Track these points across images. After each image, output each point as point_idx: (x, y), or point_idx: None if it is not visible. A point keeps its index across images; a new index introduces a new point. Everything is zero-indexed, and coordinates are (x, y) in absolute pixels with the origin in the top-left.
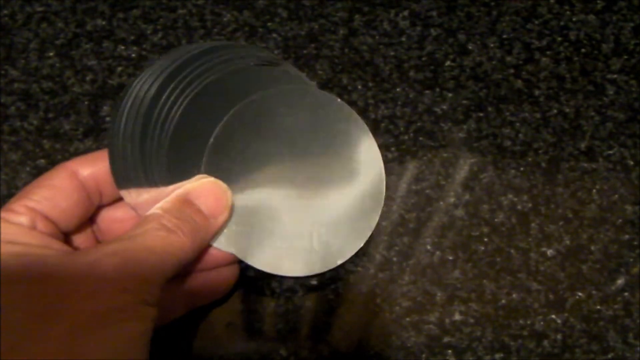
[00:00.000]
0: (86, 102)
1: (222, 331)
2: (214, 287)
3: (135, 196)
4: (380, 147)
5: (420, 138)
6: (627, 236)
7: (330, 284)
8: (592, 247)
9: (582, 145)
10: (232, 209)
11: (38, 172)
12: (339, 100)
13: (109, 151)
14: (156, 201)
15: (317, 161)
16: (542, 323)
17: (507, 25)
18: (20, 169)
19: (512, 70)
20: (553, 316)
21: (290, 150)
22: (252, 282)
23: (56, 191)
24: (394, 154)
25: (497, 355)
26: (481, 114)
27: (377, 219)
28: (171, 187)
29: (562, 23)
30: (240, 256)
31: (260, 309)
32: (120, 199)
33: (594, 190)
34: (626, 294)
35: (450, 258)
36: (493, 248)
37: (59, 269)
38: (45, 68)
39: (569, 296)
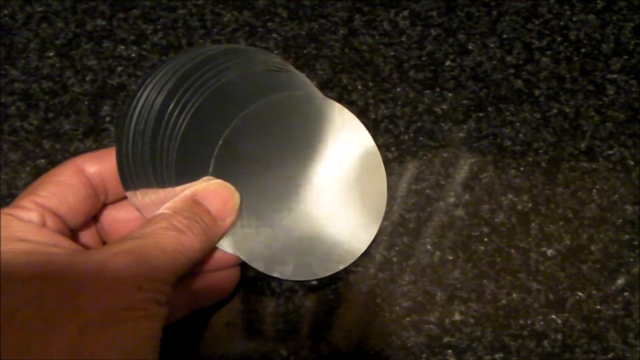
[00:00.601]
0: (86, 102)
1: (222, 331)
2: (216, 289)
3: (141, 197)
4: (380, 147)
5: (421, 138)
6: (627, 236)
7: (330, 284)
8: (592, 247)
9: (582, 145)
10: (239, 210)
11: (38, 172)
12: (343, 108)
13: (116, 152)
14: (162, 203)
15: (322, 166)
16: (542, 323)
17: (507, 25)
18: (21, 169)
19: (512, 70)
20: (553, 316)
21: (297, 155)
22: (252, 282)
23: (64, 187)
24: (394, 154)
25: (497, 355)
26: (481, 114)
27: (379, 223)
28: (179, 189)
29: (562, 23)
30: (245, 259)
31: (260, 308)
32: (124, 198)
33: (594, 190)
34: (626, 293)
35: (450, 258)
36: (493, 248)
37: (70, 268)
38: (45, 68)
39: (569, 296)
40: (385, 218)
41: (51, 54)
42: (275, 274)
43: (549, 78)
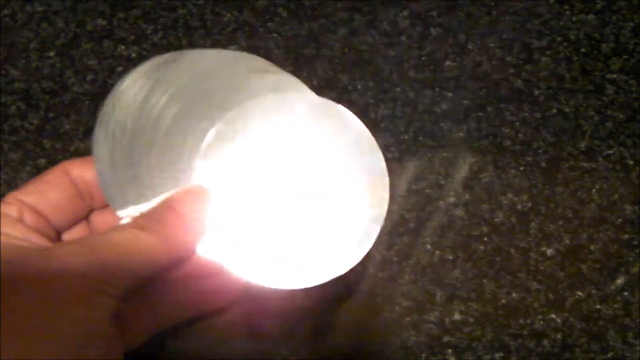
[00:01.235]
0: (86, 102)
1: (223, 330)
2: (219, 294)
3: (126, 210)
4: (380, 147)
5: (420, 138)
6: (626, 236)
7: (330, 284)
8: (592, 247)
9: (582, 145)
10: (216, 215)
11: (38, 172)
12: (337, 104)
13: (96, 168)
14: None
15: (314, 167)
16: (541, 322)
17: (507, 25)
18: (21, 169)
19: (511, 70)
20: (553, 315)
21: (286, 157)
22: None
23: (47, 185)
24: (394, 154)
25: (497, 355)
26: (481, 114)
27: (379, 229)
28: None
29: (561, 23)
30: (227, 265)
31: (260, 308)
32: None
33: (594, 190)
34: (626, 293)
35: (450, 257)
36: (493, 247)
37: (22, 256)
38: (45, 68)
39: (569, 295)
40: (385, 218)
41: (51, 53)
42: (260, 282)
43: (548, 78)
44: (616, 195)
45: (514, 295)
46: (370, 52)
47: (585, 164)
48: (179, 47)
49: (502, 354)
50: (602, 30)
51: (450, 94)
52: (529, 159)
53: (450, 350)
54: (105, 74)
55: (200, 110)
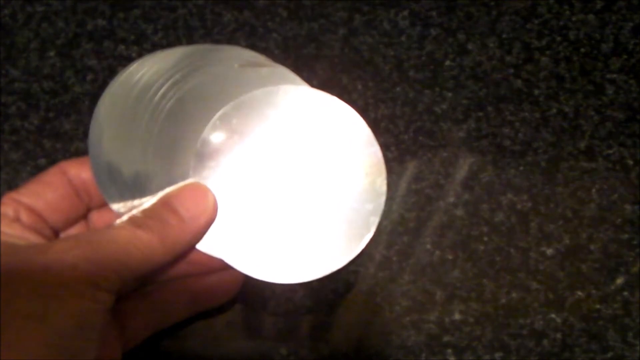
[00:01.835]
0: (87, 102)
1: (222, 330)
2: (218, 291)
3: (122, 207)
4: (380, 146)
5: (420, 137)
6: (626, 235)
7: (330, 283)
8: (592, 247)
9: (582, 145)
10: (215, 210)
11: (38, 172)
12: (334, 98)
13: (92, 166)
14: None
15: (311, 162)
16: (541, 322)
17: (506, 25)
18: (21, 169)
19: (511, 70)
20: (552, 315)
21: (283, 151)
22: (252, 280)
23: (43, 185)
24: (394, 154)
25: (497, 355)
26: (481, 114)
27: (376, 223)
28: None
29: (561, 23)
30: (227, 260)
31: (260, 307)
32: None
33: (594, 190)
34: (625, 293)
35: (450, 257)
36: (493, 247)
37: (18, 253)
38: (45, 68)
39: (569, 295)
40: (384, 217)
41: (52, 53)
42: (258, 276)
43: (548, 78)
44: (616, 195)
45: (513, 295)
46: (370, 52)
47: (585, 164)
48: None
49: (501, 354)
50: (602, 30)
51: (450, 94)
52: (529, 158)
53: (450, 350)
54: (106, 73)
55: (195, 104)
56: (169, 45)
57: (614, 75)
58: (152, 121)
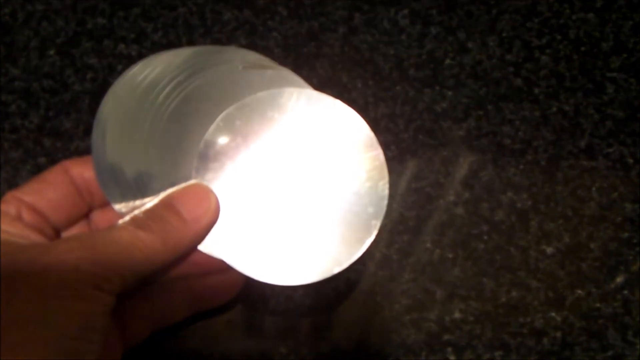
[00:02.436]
0: (87, 101)
1: (222, 328)
2: (219, 291)
3: (124, 206)
4: (380, 145)
5: (420, 136)
6: (626, 234)
7: (330, 282)
8: (592, 245)
9: (582, 143)
10: (218, 212)
11: (38, 170)
12: (336, 100)
13: (93, 162)
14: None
15: (313, 164)
16: (541, 321)
17: (506, 24)
18: (21, 167)
19: (511, 69)
20: (552, 314)
21: (285, 154)
22: (252, 280)
23: (45, 184)
24: (394, 152)
25: (497, 353)
26: (481, 112)
27: (378, 226)
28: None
29: (561, 21)
30: (229, 261)
31: (260, 306)
32: None
33: (594, 188)
34: (625, 291)
35: (450, 256)
36: (493, 246)
37: (20, 253)
38: (45, 66)
39: (569, 294)
40: (385, 216)
41: (51, 52)
42: (261, 278)
43: (548, 76)
44: (616, 194)
45: (513, 293)
46: (370, 51)
47: (585, 163)
48: (179, 46)
49: (501, 352)
50: (602, 29)
51: (450, 93)
52: (529, 157)
53: (450, 349)
54: (106, 72)
55: (198, 106)
56: (169, 43)
57: (614, 74)
58: (156, 122)
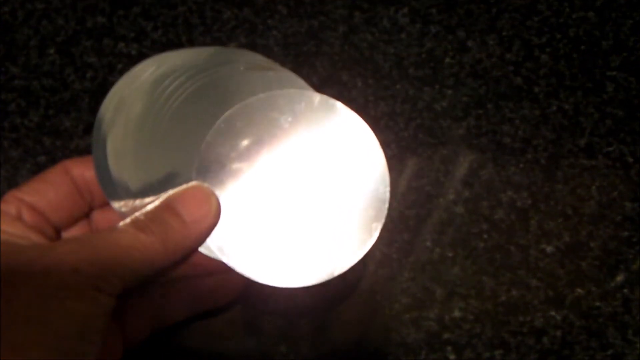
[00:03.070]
0: (86, 100)
1: (223, 328)
2: (219, 292)
3: (124, 206)
4: (380, 144)
5: (420, 135)
6: (626, 233)
7: (330, 281)
8: (592, 244)
9: (582, 142)
10: (218, 214)
11: (38, 169)
12: (338, 103)
13: (94, 162)
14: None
15: (315, 167)
16: (541, 320)
17: (506, 23)
18: (21, 166)
19: (511, 67)
20: (552, 313)
21: (286, 155)
22: (253, 281)
23: (46, 184)
24: (394, 151)
25: (497, 352)
26: (481, 111)
27: (379, 229)
28: (161, 195)
29: (561, 20)
30: (230, 264)
31: (260, 305)
32: None
33: (594, 187)
34: (625, 290)
35: (450, 255)
36: (492, 245)
37: (20, 254)
38: (45, 65)
39: (569, 293)
40: (385, 216)
41: (51, 51)
42: (262, 280)
43: (548, 75)
44: (616, 193)
45: (513, 292)
46: (370, 50)
47: (584, 161)
48: (179, 45)
49: (501, 351)
50: (601, 28)
51: (449, 91)
52: (529, 156)
53: (449, 348)
54: (105, 71)
55: (199, 107)
56: (169, 42)
57: (614, 73)
58: (157, 122)
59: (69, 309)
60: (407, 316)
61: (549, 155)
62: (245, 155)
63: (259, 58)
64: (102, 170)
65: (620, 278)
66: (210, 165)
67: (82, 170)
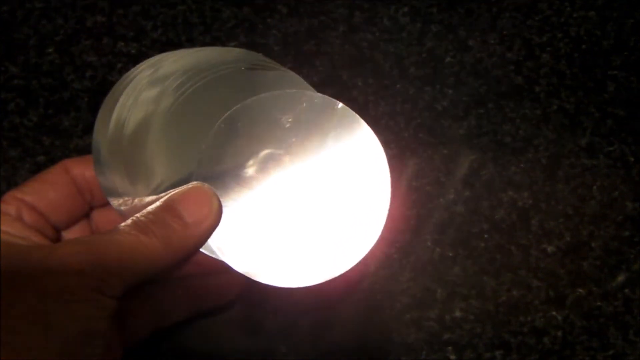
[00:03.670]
0: (86, 99)
1: (222, 328)
2: (220, 291)
3: (124, 205)
4: (380, 143)
5: (421, 134)
6: (627, 233)
7: (330, 281)
8: (593, 244)
9: (583, 142)
10: (220, 215)
11: (37, 169)
12: (339, 103)
13: (94, 164)
14: (143, 209)
15: (316, 167)
16: (542, 320)
17: (507, 22)
18: (20, 166)
19: (512, 67)
20: (553, 313)
21: (287, 155)
22: (253, 281)
23: (46, 184)
24: (394, 151)
25: (498, 352)
26: (481, 111)
27: (380, 230)
28: (161, 195)
29: (562, 19)
30: (231, 264)
31: (260, 305)
32: None
33: (595, 187)
34: (627, 290)
35: (451, 255)
36: (493, 245)
37: (21, 255)
38: (45, 64)
39: (570, 293)
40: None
41: (51, 50)
42: (263, 280)
43: (549, 74)
44: (617, 192)
45: (514, 292)
46: (370, 49)
47: (586, 161)
48: (178, 44)
49: (502, 352)
50: (603, 27)
51: (450, 91)
52: (530, 155)
53: (450, 348)
54: (105, 70)
55: (200, 107)
56: (169, 41)
57: (615, 72)
58: (158, 122)
59: (72, 312)
60: (407, 316)
61: (550, 154)
62: (246, 155)
63: (259, 58)
64: (103, 171)
65: (621, 278)
66: (211, 165)
67: (82, 169)
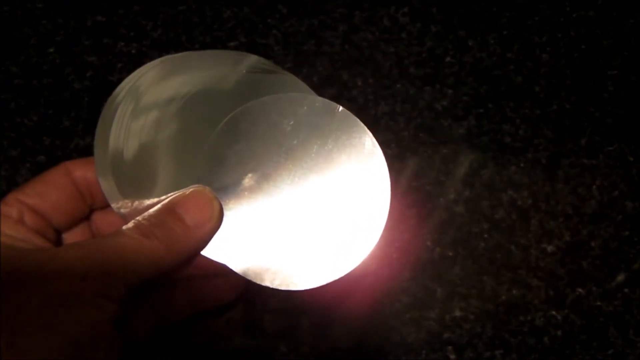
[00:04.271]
0: (86, 99)
1: (222, 327)
2: (220, 292)
3: (125, 207)
4: (380, 144)
5: (421, 134)
6: (627, 232)
7: (330, 280)
8: (592, 243)
9: (582, 141)
10: (221, 218)
11: (38, 169)
12: (340, 107)
13: (95, 162)
14: (145, 212)
15: (317, 170)
16: (542, 319)
17: (507, 22)
18: (20, 165)
19: (512, 67)
20: (553, 312)
21: (288, 159)
22: (253, 282)
23: (48, 185)
24: (394, 151)
25: (497, 352)
26: (481, 110)
27: (380, 232)
28: (163, 198)
29: (562, 19)
30: (233, 266)
31: (260, 305)
32: None
33: (594, 187)
34: (626, 290)
35: (450, 254)
36: (493, 244)
37: (24, 259)
38: (45, 64)
39: (569, 292)
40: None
41: (51, 50)
42: (264, 283)
43: (549, 74)
44: (617, 192)
45: (514, 292)
46: (370, 49)
47: (585, 161)
48: (178, 44)
49: (502, 351)
50: (602, 27)
51: (450, 91)
52: (530, 155)
53: (450, 347)
54: (105, 70)
55: (202, 109)
56: (169, 41)
57: (615, 72)
58: (159, 124)
59: (77, 316)
60: (407, 316)
61: (550, 154)
62: (247, 158)
63: (261, 61)
64: (104, 172)
65: (621, 277)
66: (212, 168)
67: (83, 171)
